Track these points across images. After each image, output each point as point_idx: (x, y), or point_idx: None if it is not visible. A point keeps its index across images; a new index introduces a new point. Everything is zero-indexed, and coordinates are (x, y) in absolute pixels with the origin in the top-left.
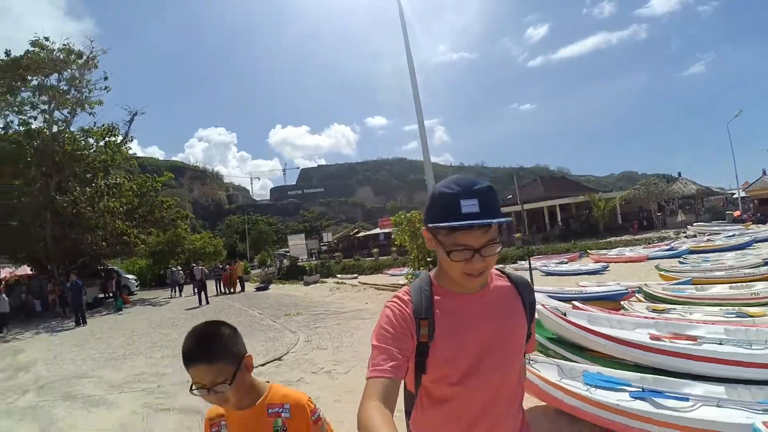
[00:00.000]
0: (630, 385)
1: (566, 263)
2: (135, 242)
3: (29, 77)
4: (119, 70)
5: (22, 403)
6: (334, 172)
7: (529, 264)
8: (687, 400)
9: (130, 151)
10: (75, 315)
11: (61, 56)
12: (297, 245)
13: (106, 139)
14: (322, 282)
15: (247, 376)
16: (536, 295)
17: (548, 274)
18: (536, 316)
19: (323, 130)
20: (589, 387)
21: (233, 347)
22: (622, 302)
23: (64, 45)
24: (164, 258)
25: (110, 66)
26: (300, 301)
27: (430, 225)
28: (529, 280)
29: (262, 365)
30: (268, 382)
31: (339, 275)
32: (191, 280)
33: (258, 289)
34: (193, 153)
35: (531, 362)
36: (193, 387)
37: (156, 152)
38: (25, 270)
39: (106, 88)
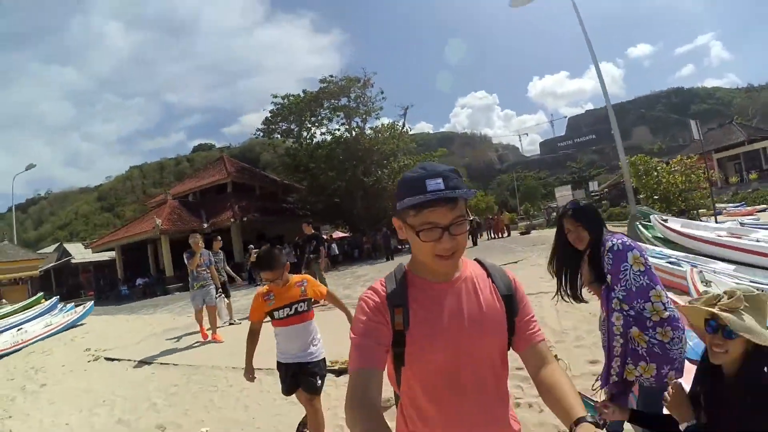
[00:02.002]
0: (670, 258)
1: None
2: None
3: (324, 103)
4: (378, 66)
5: None
6: (603, 115)
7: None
8: (696, 266)
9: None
10: (386, 253)
11: (344, 83)
12: (563, 196)
13: (390, 132)
14: None
15: (285, 273)
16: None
17: None
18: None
19: (583, 72)
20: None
21: (281, 261)
22: None
23: (344, 77)
24: None
25: (371, 63)
26: (549, 240)
27: (398, 207)
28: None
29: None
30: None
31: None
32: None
33: (522, 233)
34: (459, 121)
35: None
36: (262, 278)
37: (425, 127)
38: (337, 233)
39: (383, 98)
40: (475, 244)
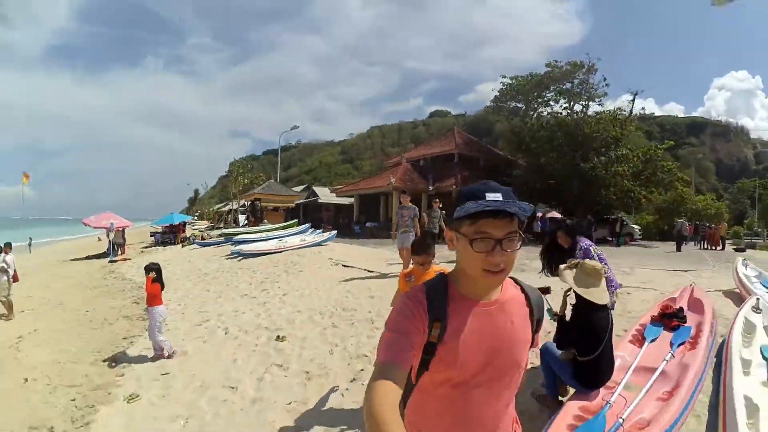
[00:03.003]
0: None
1: None
2: (638, 198)
3: (550, 86)
4: (624, 35)
5: None
6: None
7: None
8: None
9: (648, 112)
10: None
11: (568, 68)
12: None
13: (612, 120)
14: None
15: (431, 261)
16: None
17: None
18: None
19: None
20: (754, 281)
21: (431, 250)
22: None
23: (568, 61)
24: (668, 215)
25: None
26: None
27: (455, 215)
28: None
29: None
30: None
31: None
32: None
33: (737, 250)
34: (715, 105)
35: (745, 263)
36: (415, 261)
37: (674, 109)
38: (554, 213)
39: (606, 85)
40: (678, 249)
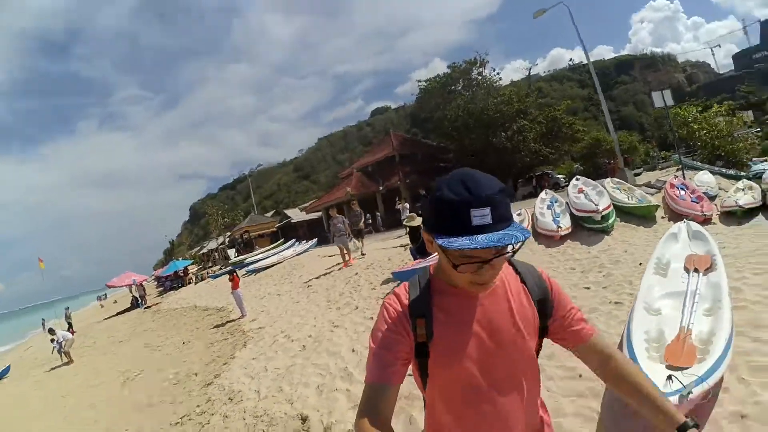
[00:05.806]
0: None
1: None
2: (546, 155)
3: (456, 83)
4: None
5: None
6: None
7: None
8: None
9: (576, 61)
10: None
11: (465, 66)
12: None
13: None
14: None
15: None
16: None
17: None
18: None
19: None
20: (547, 202)
21: None
22: None
23: (465, 60)
24: (590, 158)
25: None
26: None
27: (438, 241)
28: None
29: None
30: None
31: None
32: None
33: (635, 175)
34: (641, 39)
35: (547, 193)
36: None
37: (603, 51)
38: None
39: (498, 75)
40: None
